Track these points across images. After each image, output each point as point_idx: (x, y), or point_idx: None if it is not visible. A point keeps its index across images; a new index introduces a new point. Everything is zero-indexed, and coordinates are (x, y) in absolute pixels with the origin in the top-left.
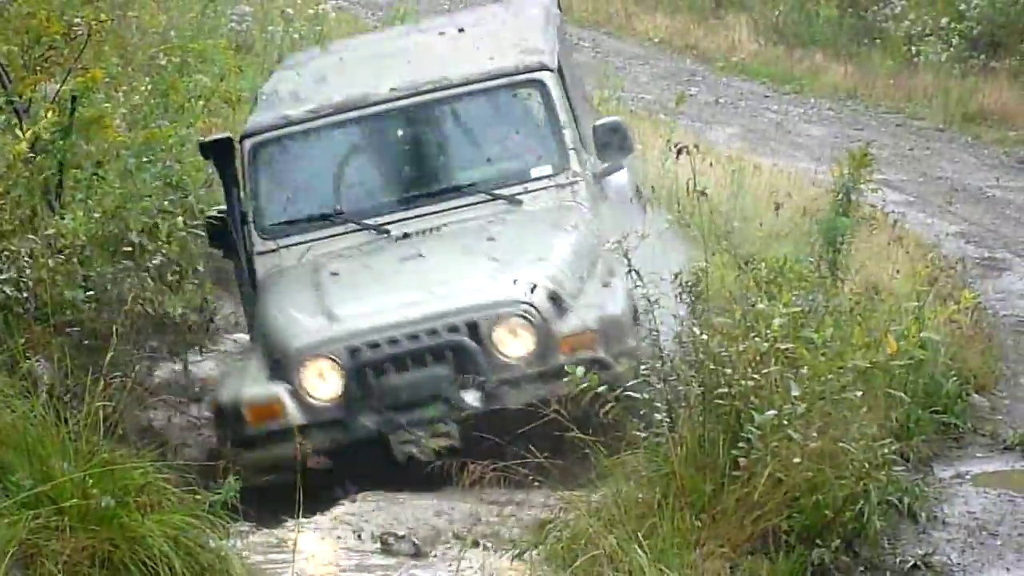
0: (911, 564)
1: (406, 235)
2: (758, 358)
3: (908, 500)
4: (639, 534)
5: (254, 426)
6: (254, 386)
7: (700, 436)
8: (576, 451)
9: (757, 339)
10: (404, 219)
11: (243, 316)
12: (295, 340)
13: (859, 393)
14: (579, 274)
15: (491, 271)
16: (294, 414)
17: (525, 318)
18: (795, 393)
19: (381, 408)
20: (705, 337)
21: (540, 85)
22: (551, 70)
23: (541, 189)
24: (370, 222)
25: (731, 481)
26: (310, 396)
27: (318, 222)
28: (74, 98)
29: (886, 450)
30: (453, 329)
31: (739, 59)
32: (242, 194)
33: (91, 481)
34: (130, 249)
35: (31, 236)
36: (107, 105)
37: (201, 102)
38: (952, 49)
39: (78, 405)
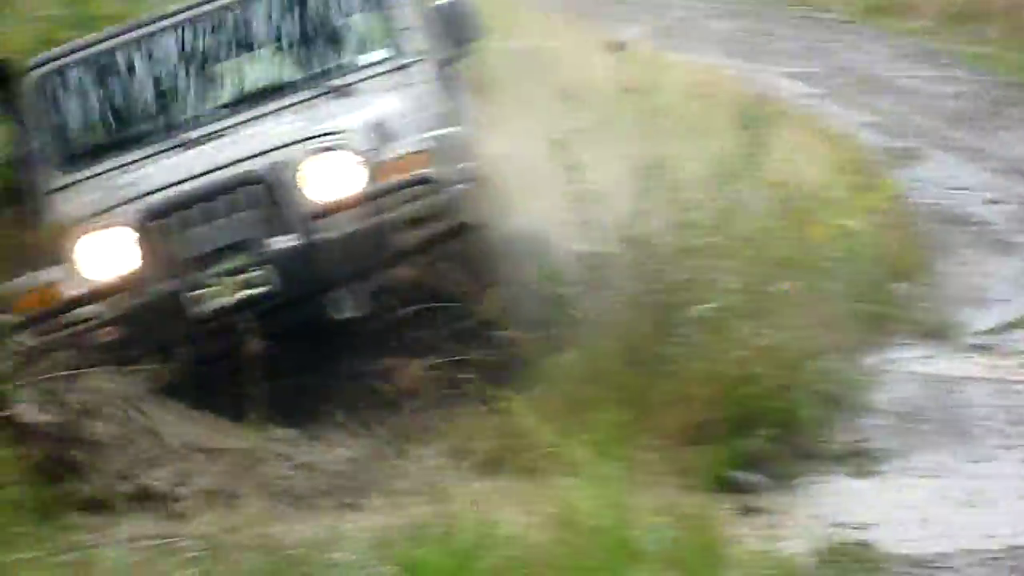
0: (842, 450)
1: (214, 137)
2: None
3: (838, 388)
4: (575, 429)
5: (23, 312)
6: (23, 280)
7: (632, 331)
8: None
9: (688, 232)
10: (216, 131)
11: None
12: (70, 216)
13: (787, 284)
14: (418, 121)
15: (299, 126)
16: (70, 290)
17: (339, 148)
18: (726, 286)
19: (176, 269)
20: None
21: None
22: None
23: (374, 76)
24: (175, 141)
25: (664, 376)
26: (92, 270)
27: (118, 148)
28: None
29: (815, 340)
30: (250, 173)
31: None
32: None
33: None
34: None
35: None
36: None
37: None
38: None
39: None
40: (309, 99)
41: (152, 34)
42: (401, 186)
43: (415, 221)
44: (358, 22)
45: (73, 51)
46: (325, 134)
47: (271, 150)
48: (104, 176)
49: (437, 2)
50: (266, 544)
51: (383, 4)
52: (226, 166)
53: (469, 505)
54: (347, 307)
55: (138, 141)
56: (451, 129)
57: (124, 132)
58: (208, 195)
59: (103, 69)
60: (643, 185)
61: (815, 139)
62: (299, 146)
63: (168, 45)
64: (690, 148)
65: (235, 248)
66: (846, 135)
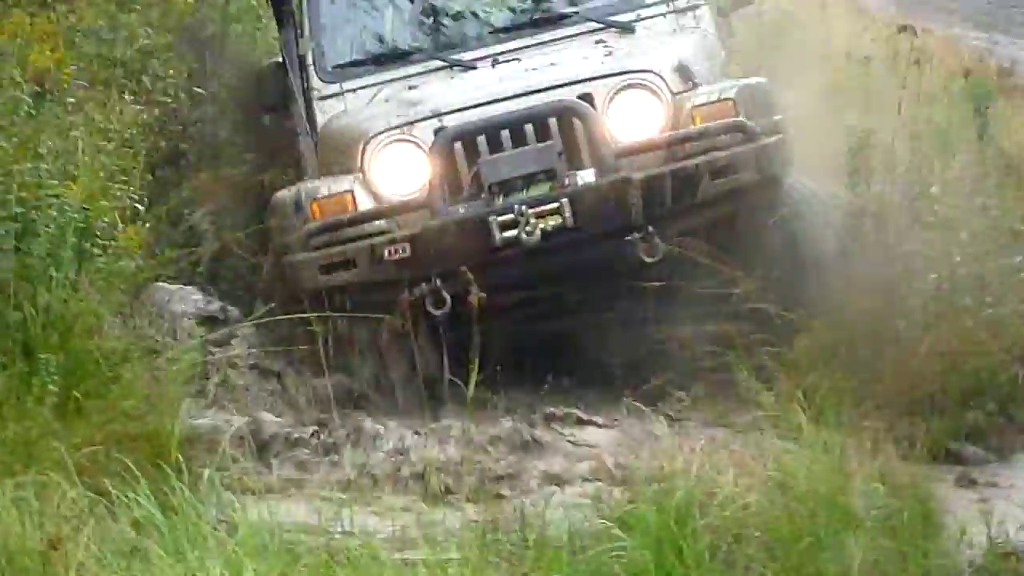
0: None
1: (496, 62)
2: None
3: None
4: (799, 391)
5: (319, 219)
6: (317, 185)
7: (863, 301)
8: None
9: (920, 203)
10: (493, 54)
11: None
12: (365, 128)
13: (1019, 258)
14: (710, 68)
15: (604, 60)
16: (365, 203)
17: (648, 87)
18: (956, 259)
19: (476, 191)
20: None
21: None
22: None
23: (658, 15)
24: (457, 60)
25: (890, 345)
26: (386, 184)
27: (390, 61)
28: None
29: None
30: (562, 102)
31: None
32: (298, 36)
33: None
34: None
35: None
36: None
37: None
38: None
39: None
40: (592, 31)
41: None
42: (713, 132)
43: (724, 169)
44: None
45: None
46: (638, 71)
47: (581, 81)
48: (382, 87)
49: None
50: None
51: None
52: (533, 92)
53: (687, 464)
54: (643, 251)
55: (413, 55)
56: (756, 79)
57: (398, 44)
58: (518, 121)
59: None
60: (876, 155)
61: None
62: (611, 80)
63: None
64: (925, 118)
65: (536, 178)
66: None
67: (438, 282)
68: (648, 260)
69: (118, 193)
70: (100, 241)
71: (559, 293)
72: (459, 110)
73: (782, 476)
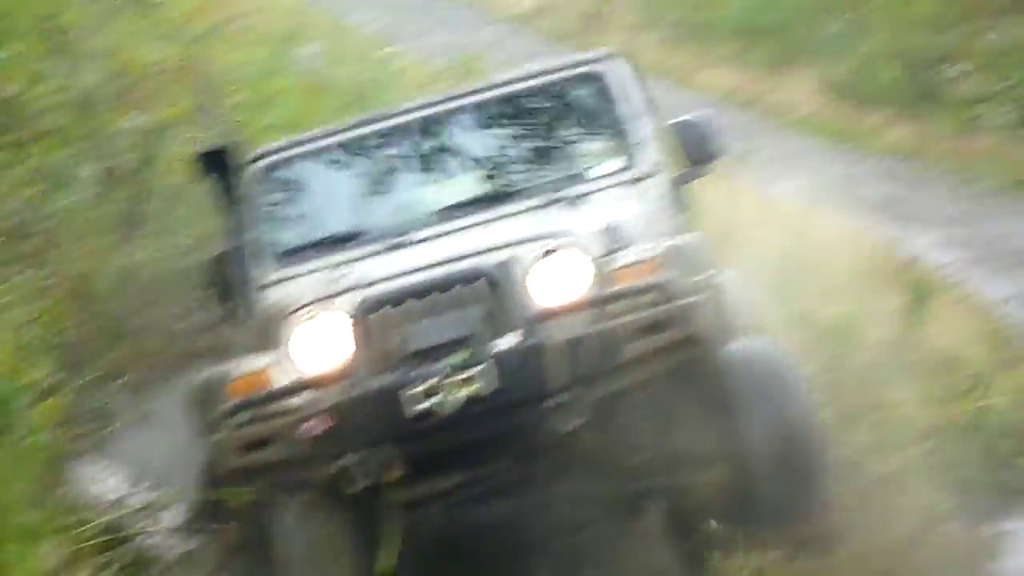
0: None
1: (436, 238)
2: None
3: (963, 556)
4: None
5: (233, 399)
6: (234, 365)
7: None
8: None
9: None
10: (437, 233)
11: None
12: (284, 306)
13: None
14: (654, 233)
15: (528, 227)
16: (281, 379)
17: (570, 249)
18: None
19: (395, 363)
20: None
21: (596, 77)
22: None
23: (607, 188)
24: (399, 240)
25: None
26: (305, 359)
27: (337, 245)
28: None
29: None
30: (476, 269)
31: (802, 115)
32: (238, 225)
33: None
34: None
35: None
36: None
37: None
38: (1011, 114)
39: None
40: (537, 207)
41: (376, 133)
42: (632, 292)
43: (645, 329)
44: (590, 132)
45: (296, 144)
46: (555, 234)
47: (498, 247)
48: (320, 271)
49: (677, 118)
50: None
51: (619, 116)
52: (449, 261)
53: None
54: (565, 416)
55: (357, 239)
56: (685, 239)
57: (341, 229)
58: (430, 288)
59: (326, 165)
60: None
61: (958, 309)
62: (528, 245)
63: (392, 145)
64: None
65: (455, 345)
66: (991, 306)
67: (356, 457)
68: (563, 429)
69: (32, 368)
70: (14, 417)
71: (482, 473)
72: (379, 281)
73: None
